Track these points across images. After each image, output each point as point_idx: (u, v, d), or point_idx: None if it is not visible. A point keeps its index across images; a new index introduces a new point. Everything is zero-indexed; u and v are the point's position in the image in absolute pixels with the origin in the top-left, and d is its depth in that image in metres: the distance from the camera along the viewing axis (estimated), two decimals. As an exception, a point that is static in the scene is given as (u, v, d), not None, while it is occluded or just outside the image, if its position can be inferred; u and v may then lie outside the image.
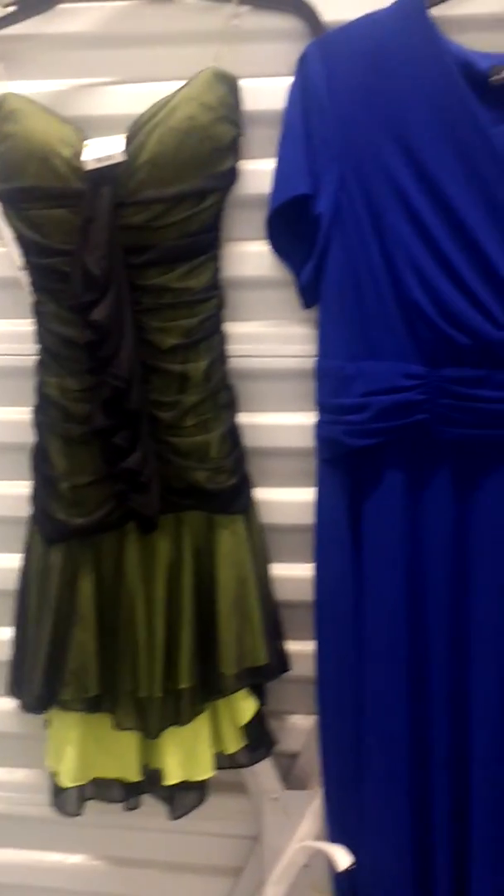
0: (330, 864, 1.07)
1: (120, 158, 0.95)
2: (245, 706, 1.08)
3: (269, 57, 1.01)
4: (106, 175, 0.95)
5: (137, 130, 0.95)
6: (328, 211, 0.97)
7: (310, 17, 0.99)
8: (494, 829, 0.99)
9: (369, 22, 0.96)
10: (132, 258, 0.97)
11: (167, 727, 1.06)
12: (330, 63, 0.96)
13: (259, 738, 1.11)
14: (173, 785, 1.08)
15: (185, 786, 1.09)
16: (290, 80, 0.99)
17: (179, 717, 1.05)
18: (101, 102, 1.04)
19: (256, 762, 1.12)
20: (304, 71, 0.98)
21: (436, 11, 0.95)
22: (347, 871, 1.05)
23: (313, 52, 0.97)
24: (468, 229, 0.92)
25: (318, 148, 0.97)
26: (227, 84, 0.97)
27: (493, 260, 0.92)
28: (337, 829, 1.08)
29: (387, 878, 1.04)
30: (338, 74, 0.96)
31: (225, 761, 1.11)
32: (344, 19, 0.97)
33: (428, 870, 1.03)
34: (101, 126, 0.99)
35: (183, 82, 0.97)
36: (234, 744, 1.09)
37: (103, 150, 0.95)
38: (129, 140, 0.95)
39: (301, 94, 0.98)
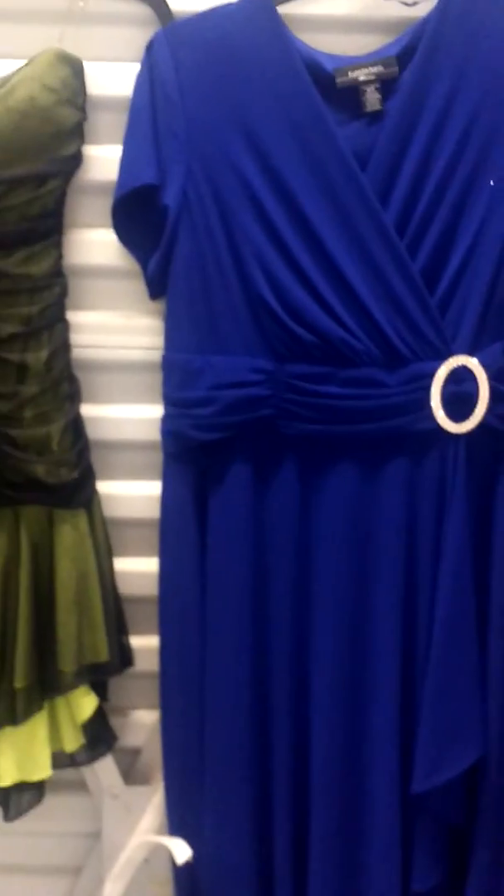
0: (170, 858, 1.07)
1: (-47, 137, 0.90)
2: (85, 703, 1.06)
3: (116, 41, 0.99)
4: None
5: (-27, 109, 0.91)
6: (175, 202, 0.96)
7: (157, 4, 0.97)
8: (333, 823, 1.00)
9: (219, 14, 0.95)
10: (-33, 241, 0.93)
11: (1, 727, 1.02)
12: (178, 53, 0.95)
13: (99, 735, 1.09)
14: (9, 786, 1.04)
15: (21, 786, 1.06)
16: (137, 65, 0.97)
17: (14, 716, 1.01)
18: None
19: (96, 759, 1.10)
20: (151, 59, 0.96)
21: (283, 9, 0.95)
22: (187, 865, 1.05)
23: (161, 40, 0.95)
24: (313, 228, 0.93)
25: (165, 138, 0.96)
26: (71, 66, 0.94)
27: (337, 260, 0.93)
28: (178, 824, 1.08)
29: (226, 870, 1.04)
30: (186, 65, 0.94)
31: (64, 760, 1.08)
32: (192, 9, 0.96)
33: (268, 863, 1.05)
34: None
35: (24, 62, 0.94)
36: (72, 742, 1.07)
37: None
38: (-36, 118, 0.91)
39: (148, 82, 0.96)
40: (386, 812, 0.99)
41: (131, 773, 1.18)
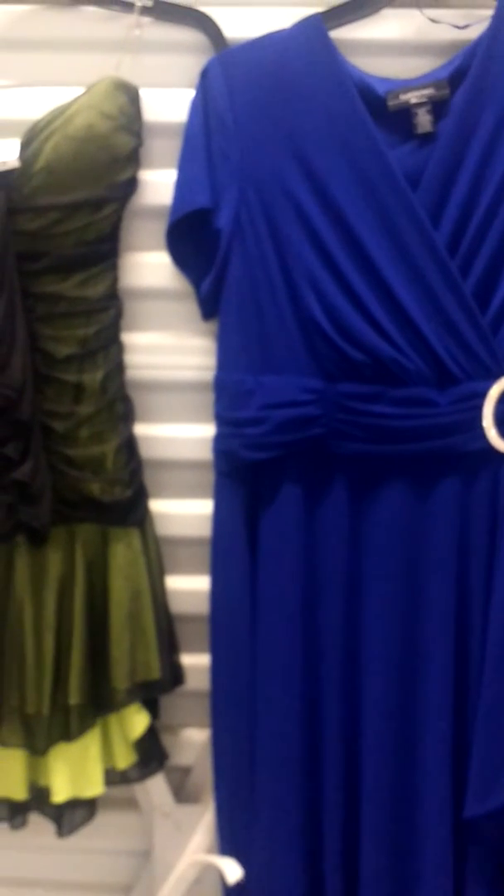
0: (221, 878, 1.07)
1: (13, 164, 0.93)
2: (137, 720, 1.07)
3: (171, 68, 1.01)
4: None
5: (33, 137, 0.94)
6: (228, 225, 0.98)
7: (212, 31, 0.99)
8: (384, 846, 1.00)
9: (271, 41, 0.97)
10: (26, 265, 0.95)
11: (55, 744, 1.03)
12: (232, 79, 0.97)
13: (151, 753, 1.10)
14: (62, 802, 1.05)
15: (73, 803, 1.07)
16: (192, 92, 0.99)
17: (68, 733, 1.03)
18: (-3, 105, 1.02)
19: (148, 777, 1.10)
20: (205, 85, 0.98)
21: (335, 34, 0.96)
22: (238, 885, 1.05)
23: (215, 66, 0.97)
24: (365, 248, 0.94)
25: (218, 162, 0.98)
26: (128, 94, 0.97)
27: (388, 280, 0.94)
28: (228, 843, 1.08)
29: (277, 890, 1.04)
30: (239, 91, 0.96)
31: (115, 777, 1.09)
32: (246, 36, 0.98)
33: (319, 883, 1.04)
34: (-3, 129, 0.97)
35: (82, 90, 0.96)
36: (124, 759, 1.08)
37: (-3, 154, 0.94)
38: (25, 146, 0.94)
39: (202, 108, 0.98)
40: (437, 837, 0.98)
41: (182, 792, 1.18)
